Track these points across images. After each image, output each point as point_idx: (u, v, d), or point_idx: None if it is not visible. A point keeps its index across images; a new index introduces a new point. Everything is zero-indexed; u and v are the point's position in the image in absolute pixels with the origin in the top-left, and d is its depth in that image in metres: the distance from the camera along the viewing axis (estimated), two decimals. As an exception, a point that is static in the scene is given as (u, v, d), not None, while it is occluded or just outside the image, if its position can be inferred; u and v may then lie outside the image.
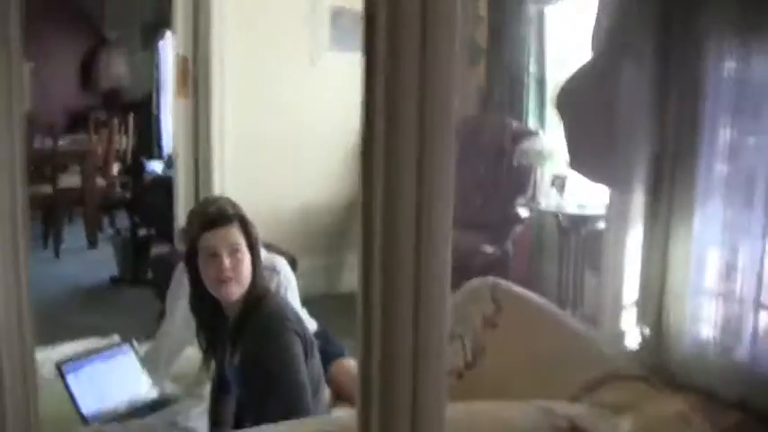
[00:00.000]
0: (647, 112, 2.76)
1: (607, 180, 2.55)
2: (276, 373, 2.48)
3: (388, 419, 0.50)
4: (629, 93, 2.56)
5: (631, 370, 1.08)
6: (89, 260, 6.69)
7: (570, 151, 1.55)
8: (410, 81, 0.50)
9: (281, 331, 2.50)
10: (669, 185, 3.12)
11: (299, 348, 2.51)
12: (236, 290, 2.59)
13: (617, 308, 3.18)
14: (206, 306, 2.68)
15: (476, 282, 1.26)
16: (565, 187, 4.61)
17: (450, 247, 0.53)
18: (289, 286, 3.42)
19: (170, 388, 3.28)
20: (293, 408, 2.44)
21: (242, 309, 2.60)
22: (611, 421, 1.00)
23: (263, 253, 3.40)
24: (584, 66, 1.14)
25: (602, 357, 1.10)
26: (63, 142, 7.21)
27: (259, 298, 2.60)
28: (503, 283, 1.21)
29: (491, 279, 1.23)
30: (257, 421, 2.56)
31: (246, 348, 2.55)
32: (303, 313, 3.37)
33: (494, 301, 1.17)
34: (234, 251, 2.60)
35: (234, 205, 3.14)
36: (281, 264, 3.46)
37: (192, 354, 3.48)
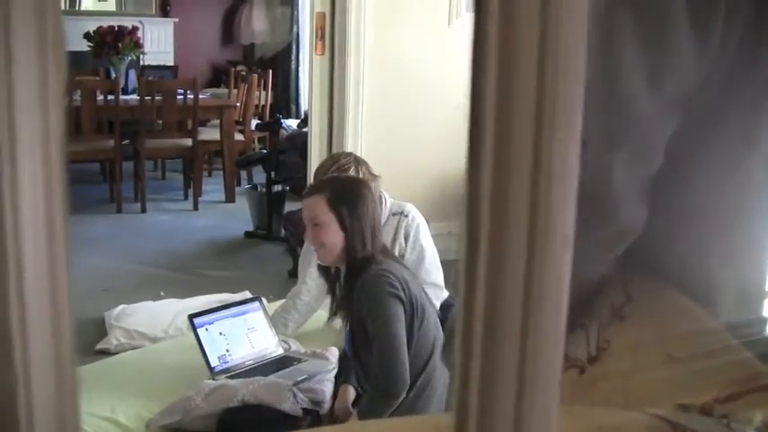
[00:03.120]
0: None
1: None
2: (371, 337, 2.53)
3: (487, 426, 0.44)
4: None
5: None
6: (226, 214, 6.85)
7: None
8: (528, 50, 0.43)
9: (376, 295, 2.53)
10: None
11: (396, 313, 2.51)
12: (326, 257, 2.68)
13: (760, 291, 3.00)
14: (327, 270, 2.77)
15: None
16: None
17: (572, 245, 0.45)
18: (419, 229, 3.40)
19: (296, 347, 3.31)
20: (384, 374, 2.48)
21: (346, 275, 2.66)
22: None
23: (391, 199, 3.40)
24: None
25: (743, 364, 0.99)
26: (203, 96, 7.36)
27: (360, 264, 2.62)
28: (635, 271, 1.11)
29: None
30: (361, 390, 2.62)
31: (351, 313, 2.64)
32: (435, 265, 3.38)
33: (624, 291, 1.07)
34: (315, 223, 2.66)
35: (342, 167, 3.18)
36: (410, 207, 3.44)
37: (320, 315, 3.50)
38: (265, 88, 8.28)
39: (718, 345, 1.01)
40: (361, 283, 2.57)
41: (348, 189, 2.74)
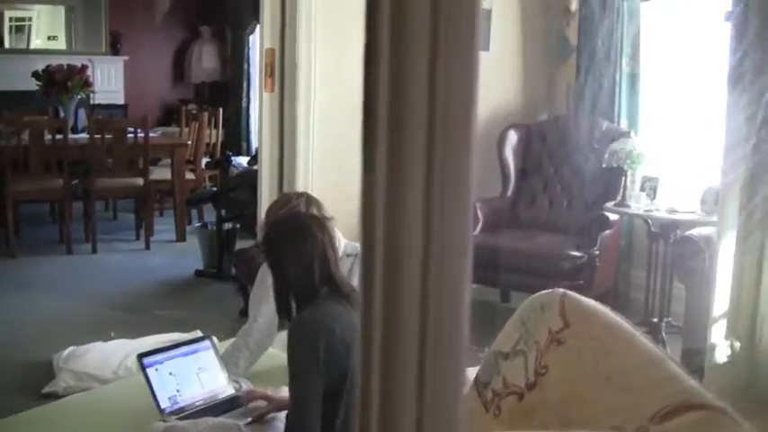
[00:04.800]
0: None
1: None
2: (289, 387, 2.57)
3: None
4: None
5: (708, 399, 0.99)
6: (178, 253, 6.79)
7: None
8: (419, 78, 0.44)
9: (291, 343, 2.53)
10: (766, 188, 2.97)
11: (305, 363, 2.51)
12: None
13: (706, 319, 3.04)
14: (283, 308, 2.75)
15: (544, 293, 1.17)
16: (656, 191, 4.47)
17: (471, 262, 0.47)
18: None
19: (247, 387, 3.27)
20: (291, 424, 2.54)
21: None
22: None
23: (345, 240, 3.38)
24: None
25: (678, 384, 1.00)
26: (154, 134, 7.32)
27: (302, 305, 2.63)
28: (573, 296, 1.12)
29: (560, 291, 1.14)
30: None
31: None
32: None
33: (561, 316, 1.08)
34: None
35: (293, 208, 3.18)
36: None
37: (273, 354, 3.46)
38: (216, 126, 8.26)
39: (653, 367, 1.02)
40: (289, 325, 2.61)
41: (272, 236, 2.75)
